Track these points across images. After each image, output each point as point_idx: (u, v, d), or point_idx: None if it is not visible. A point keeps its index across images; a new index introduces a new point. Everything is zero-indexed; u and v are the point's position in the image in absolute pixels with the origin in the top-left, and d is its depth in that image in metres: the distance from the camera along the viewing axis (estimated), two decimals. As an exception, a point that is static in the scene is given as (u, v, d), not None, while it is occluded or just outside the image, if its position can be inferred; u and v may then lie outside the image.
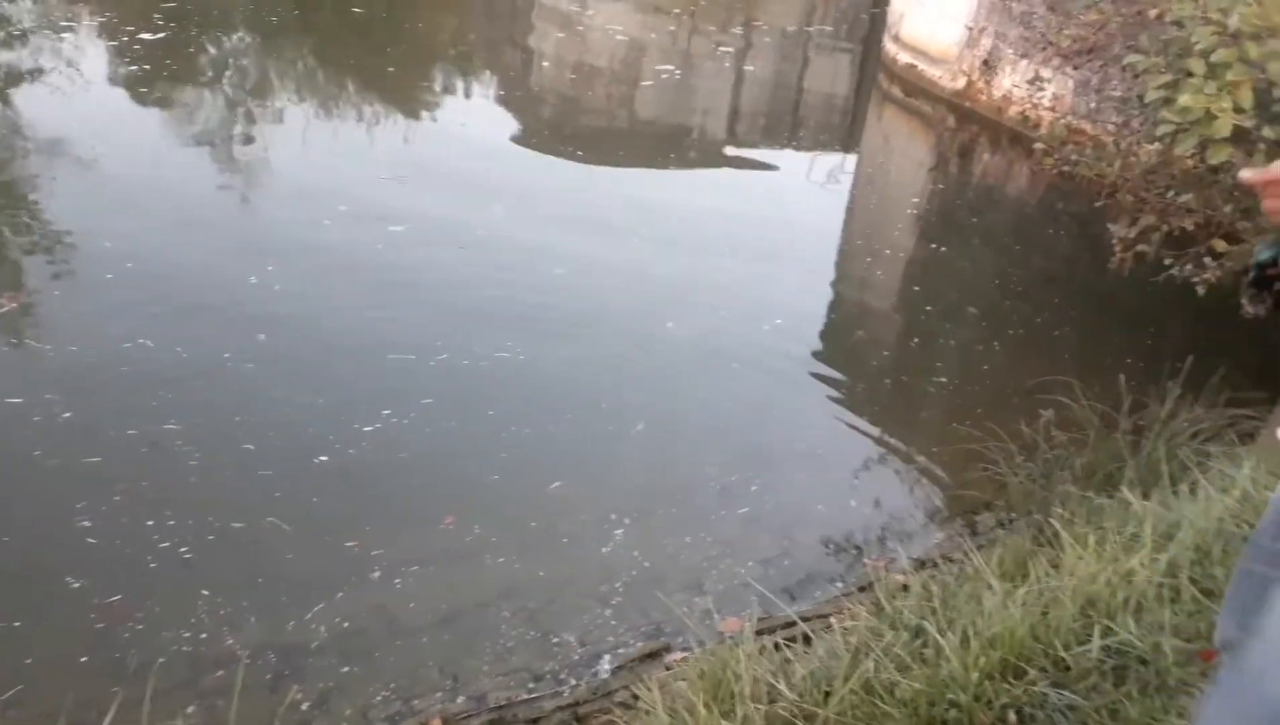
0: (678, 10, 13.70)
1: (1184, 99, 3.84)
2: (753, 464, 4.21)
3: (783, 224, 7.42)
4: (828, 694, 2.18)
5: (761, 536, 3.66)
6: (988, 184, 9.12)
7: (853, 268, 7.00)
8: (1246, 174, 1.51)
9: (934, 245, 7.53)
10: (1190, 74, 4.15)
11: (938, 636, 2.30)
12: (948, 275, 6.95)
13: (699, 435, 4.38)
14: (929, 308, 6.36)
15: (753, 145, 9.59)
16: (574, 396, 4.56)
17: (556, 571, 3.37)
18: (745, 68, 12.18)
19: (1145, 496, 3.21)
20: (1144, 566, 2.54)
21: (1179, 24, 4.28)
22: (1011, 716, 2.07)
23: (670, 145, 9.19)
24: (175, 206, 5.91)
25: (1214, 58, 3.84)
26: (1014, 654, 2.25)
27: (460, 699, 2.87)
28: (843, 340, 5.88)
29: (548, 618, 3.18)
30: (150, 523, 3.37)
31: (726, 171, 8.76)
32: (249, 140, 7.50)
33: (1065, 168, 5.69)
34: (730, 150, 9.38)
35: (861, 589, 3.21)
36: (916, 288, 6.73)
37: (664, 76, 11.25)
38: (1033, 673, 2.17)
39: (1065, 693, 2.15)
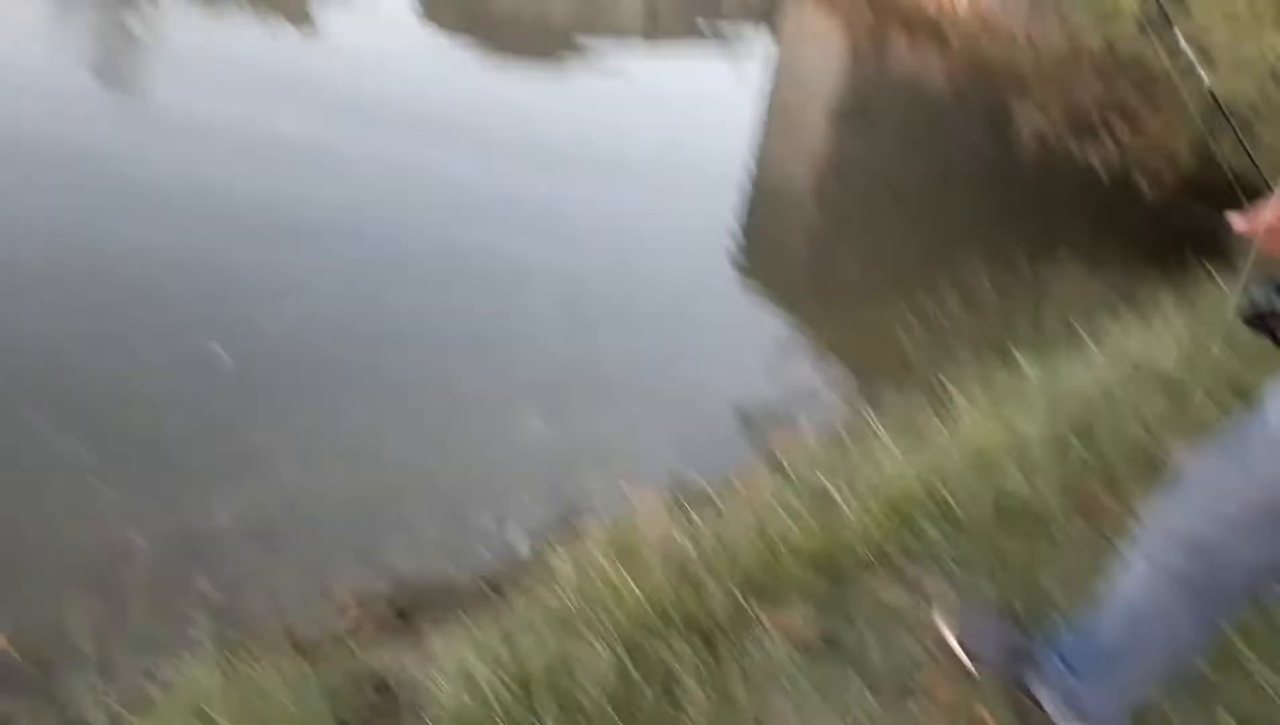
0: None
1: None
2: (664, 342, 4.25)
3: (700, 121, 7.34)
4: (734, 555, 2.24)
5: (672, 411, 3.71)
6: (904, 76, 9.11)
7: (771, 159, 6.99)
8: (1240, 224, 1.49)
9: (850, 136, 7.55)
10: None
11: (834, 493, 2.38)
12: (862, 164, 6.99)
13: (610, 318, 4.38)
14: (844, 196, 6.42)
15: (672, 38, 9.39)
16: (480, 284, 4.50)
17: (467, 454, 3.37)
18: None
19: (1038, 362, 3.33)
20: (1033, 424, 2.64)
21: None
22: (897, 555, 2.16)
23: (580, 39, 8.96)
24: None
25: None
26: (906, 505, 2.34)
27: (374, 579, 2.88)
28: (758, 228, 5.90)
29: (460, 499, 3.18)
30: (44, 424, 3.25)
31: (643, 64, 8.58)
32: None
33: (962, 55, 5.73)
34: (648, 42, 9.18)
35: (769, 458, 3.28)
36: (831, 177, 6.77)
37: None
38: (922, 521, 2.26)
39: (953, 537, 2.25)
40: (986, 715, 1.82)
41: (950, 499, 2.35)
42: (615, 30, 9.39)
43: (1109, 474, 2.57)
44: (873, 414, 3.06)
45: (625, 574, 2.10)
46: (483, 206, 5.22)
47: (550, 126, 6.48)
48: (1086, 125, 5.30)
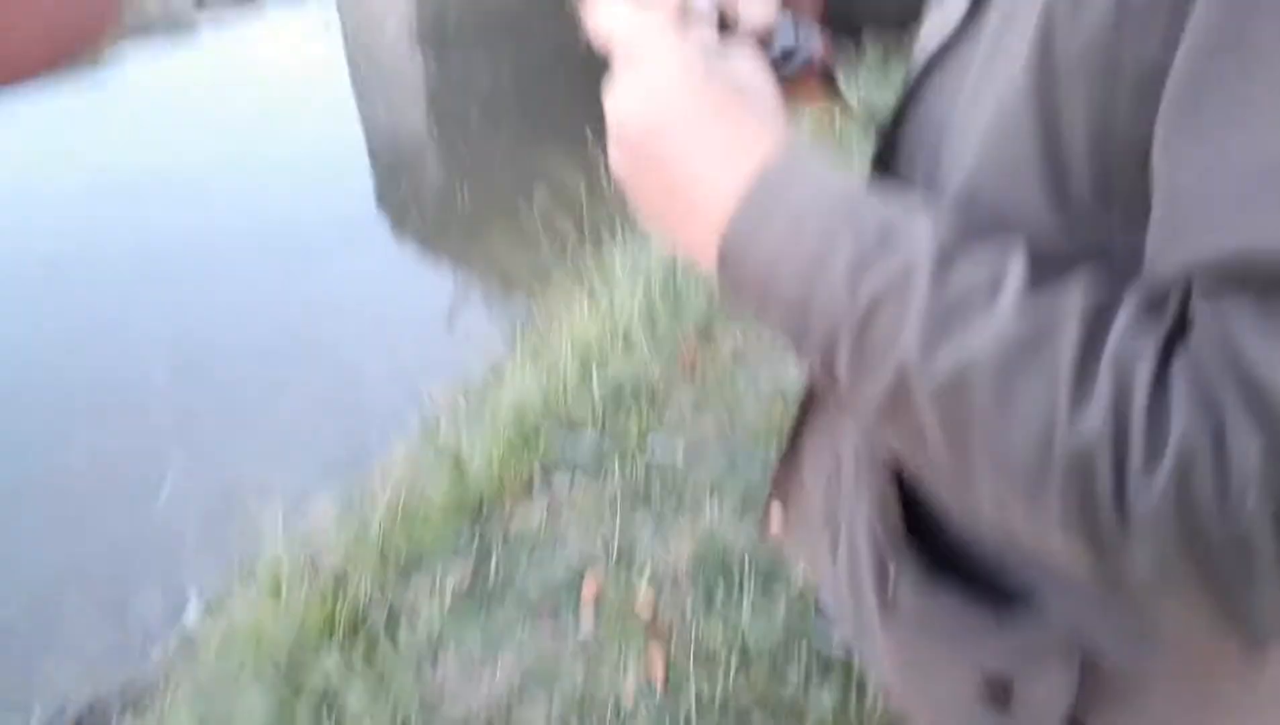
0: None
1: None
2: (297, 337, 4.12)
3: (292, 94, 6.95)
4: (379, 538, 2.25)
5: (317, 411, 3.61)
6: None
7: (371, 106, 6.75)
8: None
9: (429, 61, 7.43)
10: None
11: (464, 438, 2.44)
12: (446, 87, 6.93)
13: (231, 321, 4.18)
14: (435, 127, 6.34)
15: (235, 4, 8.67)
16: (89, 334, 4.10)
17: (112, 533, 3.12)
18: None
19: (631, 238, 3.54)
20: (622, 304, 2.82)
21: None
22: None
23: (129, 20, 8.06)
24: None
25: None
26: (531, 424, 2.45)
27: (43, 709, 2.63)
28: (384, 178, 5.74)
29: (113, 586, 2.95)
30: None
31: (209, 37, 7.91)
32: None
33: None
34: (208, 13, 8.46)
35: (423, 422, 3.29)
36: (419, 110, 6.66)
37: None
38: (547, 434, 2.38)
39: (578, 436, 2.39)
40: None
41: (567, 405, 2.48)
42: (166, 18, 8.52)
43: (701, 326, 2.81)
44: (516, 335, 3.15)
45: (275, 607, 2.06)
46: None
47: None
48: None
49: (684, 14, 0.59)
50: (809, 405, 0.79)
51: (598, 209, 4.03)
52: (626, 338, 2.73)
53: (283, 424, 3.62)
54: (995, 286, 0.44)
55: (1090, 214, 0.47)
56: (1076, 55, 0.45)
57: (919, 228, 0.47)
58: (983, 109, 0.52)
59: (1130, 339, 0.41)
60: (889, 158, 0.64)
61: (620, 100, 0.54)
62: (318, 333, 4.36)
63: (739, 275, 0.52)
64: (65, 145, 5.94)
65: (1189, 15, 0.40)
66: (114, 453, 3.59)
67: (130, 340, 4.27)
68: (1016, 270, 0.45)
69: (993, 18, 0.53)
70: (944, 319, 0.44)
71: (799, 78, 0.64)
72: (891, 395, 0.46)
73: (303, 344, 4.28)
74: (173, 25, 8.29)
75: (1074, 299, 0.43)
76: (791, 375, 2.54)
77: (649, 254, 3.16)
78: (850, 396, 0.49)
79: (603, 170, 3.38)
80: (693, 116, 0.52)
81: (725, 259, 0.52)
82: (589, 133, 4.62)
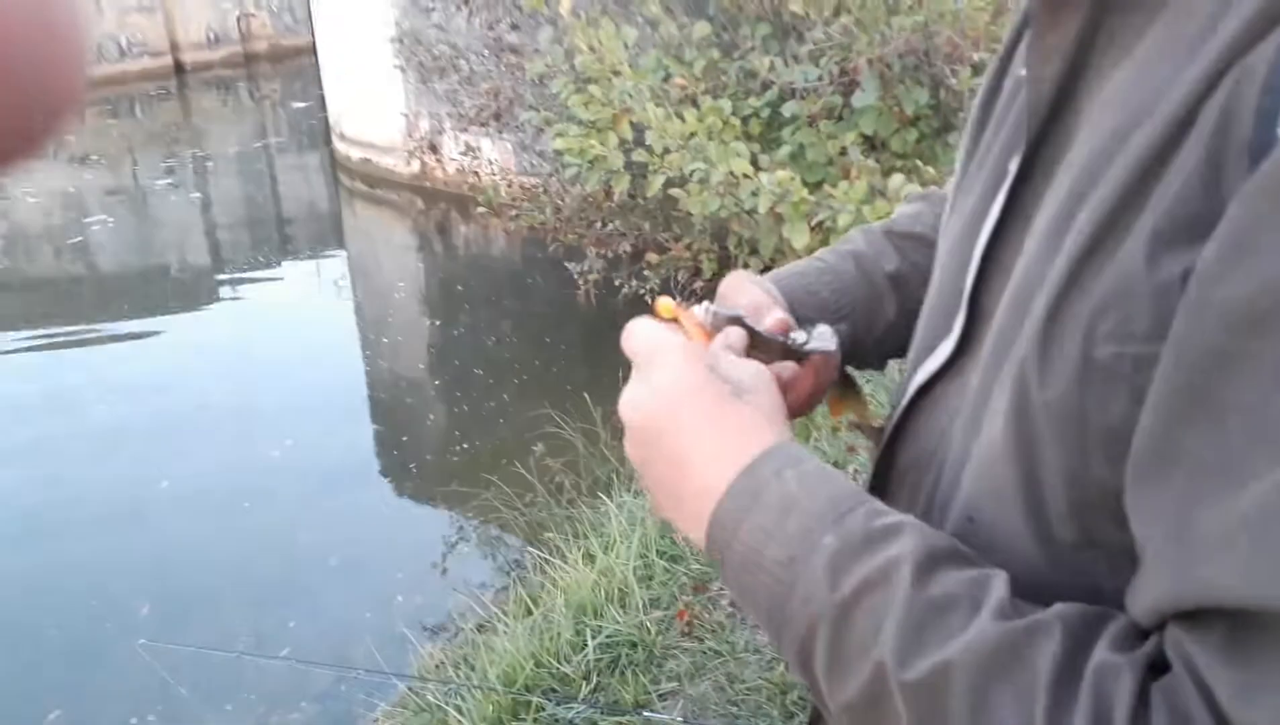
0: (102, 158, 12.59)
1: (556, 143, 4.33)
2: (285, 594, 4.02)
3: (302, 342, 7.23)
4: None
5: (299, 670, 3.47)
6: (471, 252, 9.60)
7: (378, 365, 6.98)
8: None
9: (435, 320, 7.76)
10: (580, 121, 4.71)
11: (457, 716, 2.33)
12: (452, 345, 7.20)
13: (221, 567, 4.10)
14: (438, 382, 6.53)
15: (248, 268, 9.16)
16: (59, 605, 4.00)
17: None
18: (209, 193, 11.60)
19: (629, 493, 3.55)
20: (618, 558, 2.79)
21: (541, 80, 4.84)
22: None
23: (149, 288, 8.51)
24: None
25: (569, 102, 4.37)
26: (522, 686, 2.35)
27: None
28: (368, 435, 5.83)
29: None
30: None
31: (226, 304, 8.29)
32: None
33: (510, 224, 6.18)
34: (223, 277, 8.92)
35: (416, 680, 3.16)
36: (424, 365, 6.88)
37: (95, 228, 10.23)
38: (536, 699, 2.28)
39: (571, 706, 2.28)
40: None
41: (560, 663, 2.39)
42: (186, 276, 9.00)
43: (697, 580, 2.76)
44: (489, 598, 3.07)
45: None
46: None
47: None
48: (625, 259, 5.85)
49: (709, 327, 0.69)
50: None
51: (595, 464, 4.08)
52: (622, 593, 2.68)
53: (265, 682, 3.47)
54: (978, 595, 0.46)
55: (1074, 556, 0.49)
56: (1047, 410, 0.47)
57: (905, 531, 0.49)
58: (979, 441, 0.55)
59: (1111, 657, 0.42)
60: (886, 470, 0.67)
61: (629, 400, 0.61)
62: (308, 581, 4.29)
63: (725, 561, 0.54)
64: (74, 391, 6.08)
65: (1152, 375, 0.43)
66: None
67: (113, 585, 4.21)
68: (1000, 583, 0.46)
69: (986, 349, 0.56)
70: (924, 621, 0.45)
71: (817, 366, 0.72)
72: (867, 693, 0.47)
73: (292, 592, 4.21)
74: (190, 289, 8.75)
75: (1055, 616, 0.44)
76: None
77: (645, 508, 3.16)
78: (825, 695, 0.50)
79: (601, 426, 3.47)
80: (687, 418, 0.58)
81: (711, 547, 0.55)
82: (588, 391, 4.79)
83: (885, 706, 0.46)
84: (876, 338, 0.81)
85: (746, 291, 0.74)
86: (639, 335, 0.63)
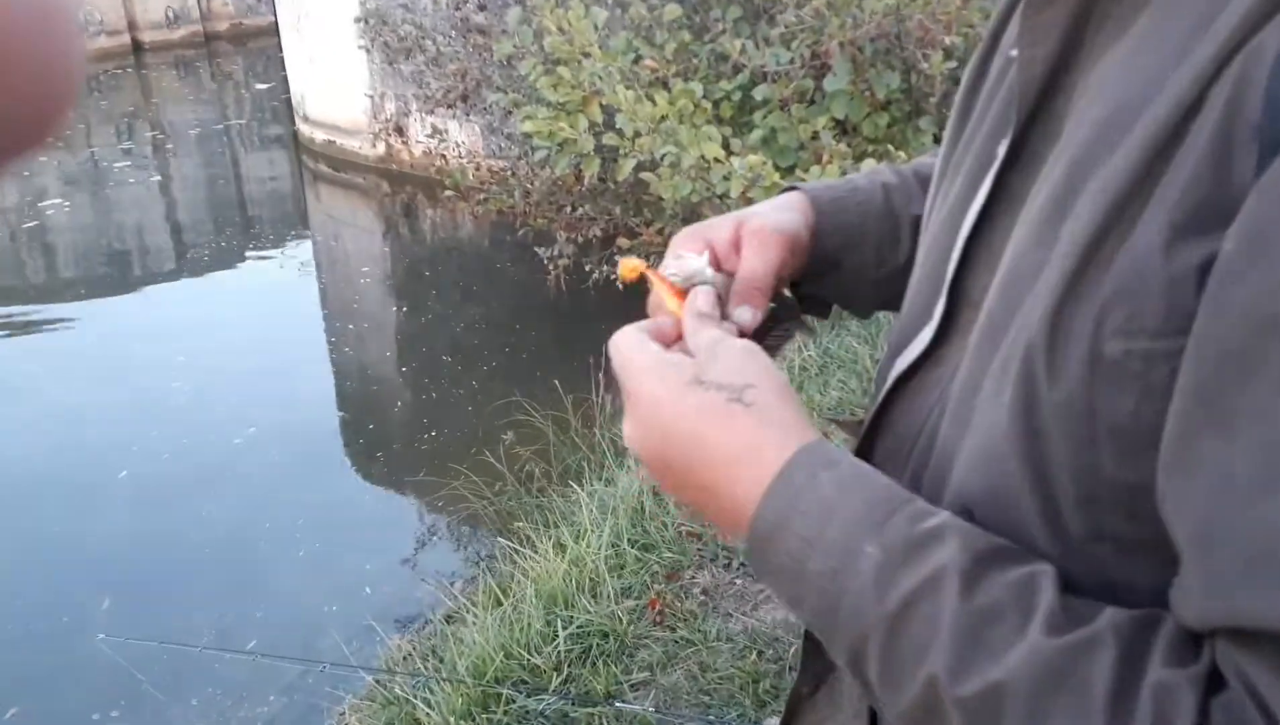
0: (58, 140, 12.31)
1: (525, 126, 4.26)
2: (251, 585, 3.95)
3: (265, 327, 7.11)
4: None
5: (264, 663, 3.41)
6: (439, 236, 9.49)
7: (345, 350, 6.87)
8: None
9: (402, 306, 7.66)
10: (550, 103, 4.64)
11: (425, 709, 2.30)
12: (419, 331, 7.11)
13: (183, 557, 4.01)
14: (405, 369, 6.45)
15: (209, 252, 8.99)
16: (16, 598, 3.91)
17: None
18: (169, 175, 11.36)
19: (600, 481, 3.52)
20: (589, 547, 2.76)
21: (509, 61, 4.76)
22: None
23: (107, 272, 8.34)
24: None
25: (538, 84, 4.31)
26: (492, 678, 2.32)
27: None
28: (334, 422, 5.75)
29: None
30: None
31: (186, 289, 8.13)
32: None
33: (478, 208, 6.10)
34: (184, 261, 8.76)
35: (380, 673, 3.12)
36: (390, 352, 6.79)
37: (50, 212, 9.98)
38: (506, 691, 2.25)
39: (542, 698, 2.25)
40: None
41: (531, 656, 2.36)
42: (144, 273, 8.82)
43: (669, 569, 2.74)
44: (459, 591, 3.03)
45: None
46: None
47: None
48: (596, 243, 5.79)
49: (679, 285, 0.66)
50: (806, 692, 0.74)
51: (566, 452, 4.04)
52: (593, 582, 2.65)
53: (231, 675, 3.41)
54: (1027, 605, 0.45)
55: (1084, 548, 0.48)
56: (1056, 408, 0.46)
57: (948, 535, 0.48)
58: (971, 433, 0.53)
59: (1168, 670, 0.42)
60: (865, 459, 0.64)
61: (628, 436, 0.60)
62: (271, 573, 4.23)
63: (769, 572, 0.53)
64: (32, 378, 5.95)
65: (1163, 372, 0.42)
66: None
67: (72, 578, 4.13)
68: (1047, 583, 0.46)
69: (973, 337, 0.55)
70: (974, 633, 0.45)
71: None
72: (921, 704, 0.46)
73: (256, 585, 4.15)
74: (149, 273, 8.58)
75: (1107, 626, 0.44)
76: (765, 621, 2.46)
77: (616, 496, 3.13)
78: (881, 701, 0.50)
79: (571, 414, 3.43)
80: (691, 449, 0.56)
81: (752, 560, 0.54)
82: (558, 378, 4.75)
83: (941, 719, 0.46)
84: (879, 278, 0.79)
85: (696, 240, 0.72)
86: (614, 358, 0.61)
